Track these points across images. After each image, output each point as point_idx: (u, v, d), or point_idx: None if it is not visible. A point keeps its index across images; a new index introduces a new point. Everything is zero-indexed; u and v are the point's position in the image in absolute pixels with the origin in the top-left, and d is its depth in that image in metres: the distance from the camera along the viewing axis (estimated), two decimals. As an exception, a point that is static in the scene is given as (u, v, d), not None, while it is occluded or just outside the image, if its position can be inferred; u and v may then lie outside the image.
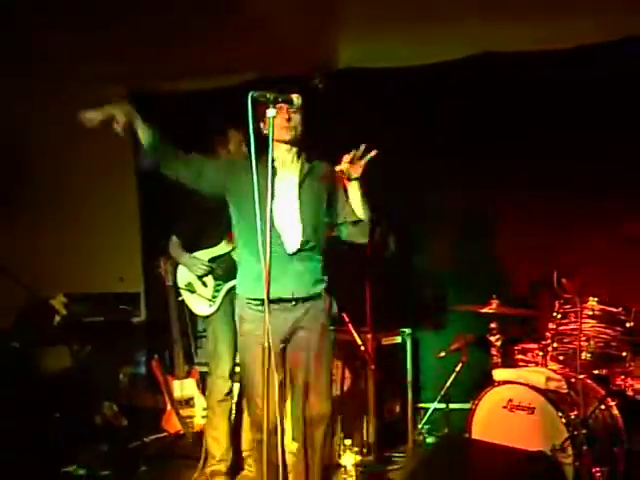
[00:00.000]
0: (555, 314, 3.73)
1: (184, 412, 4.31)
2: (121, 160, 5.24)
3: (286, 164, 3.10)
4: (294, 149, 3.11)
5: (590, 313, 3.61)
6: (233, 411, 4.03)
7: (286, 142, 3.06)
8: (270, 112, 2.59)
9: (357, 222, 3.12)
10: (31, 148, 5.23)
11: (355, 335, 4.05)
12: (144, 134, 2.95)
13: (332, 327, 3.29)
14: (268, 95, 2.60)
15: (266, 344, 2.55)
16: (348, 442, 3.96)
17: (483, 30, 4.47)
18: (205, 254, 3.95)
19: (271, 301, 2.86)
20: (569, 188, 4.40)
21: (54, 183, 5.34)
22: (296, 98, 2.78)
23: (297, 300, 3.05)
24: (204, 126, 4.82)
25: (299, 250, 3.05)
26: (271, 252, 2.57)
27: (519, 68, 4.50)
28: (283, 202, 3.02)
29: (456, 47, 4.56)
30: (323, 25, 4.62)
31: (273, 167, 2.70)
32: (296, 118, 3.04)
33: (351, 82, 4.86)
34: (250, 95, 2.53)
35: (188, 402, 4.32)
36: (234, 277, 3.84)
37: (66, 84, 5.04)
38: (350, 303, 4.07)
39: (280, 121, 2.91)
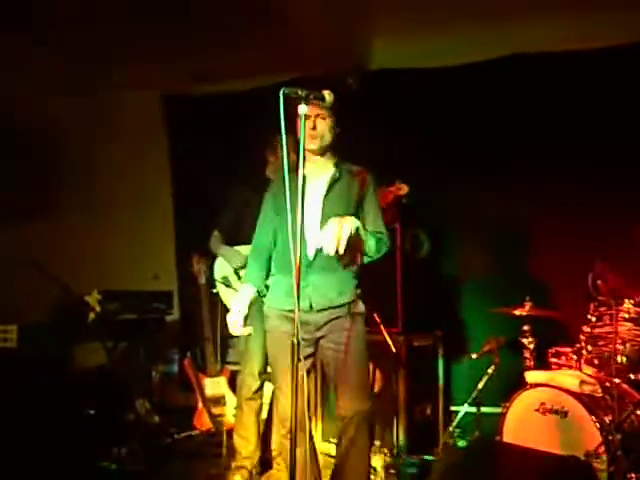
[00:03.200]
0: (589, 317, 3.67)
1: (215, 410, 4.33)
2: (155, 158, 5.32)
3: (317, 172, 3.08)
4: (325, 156, 3.10)
5: (626, 316, 3.53)
6: (263, 410, 4.05)
7: (313, 151, 3.04)
8: (302, 109, 2.58)
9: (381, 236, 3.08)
10: (65, 146, 5.33)
11: (386, 336, 4.03)
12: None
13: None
14: (300, 91, 2.56)
15: (295, 340, 2.54)
16: (378, 443, 3.95)
17: (515, 30, 4.45)
18: (244, 249, 3.97)
19: (290, 311, 2.83)
20: (604, 189, 4.33)
21: (89, 183, 5.44)
22: (328, 95, 2.74)
23: (317, 310, 3.03)
24: (241, 128, 4.89)
25: (316, 260, 3.01)
26: (299, 262, 2.55)
27: (553, 69, 4.47)
28: (309, 212, 2.97)
29: (488, 48, 4.55)
30: (356, 26, 4.64)
31: (304, 176, 2.67)
32: (323, 125, 3.01)
33: (384, 82, 4.87)
34: (282, 91, 2.49)
35: (219, 400, 4.34)
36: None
37: (100, 87, 5.13)
38: (382, 304, 4.06)
39: (306, 130, 2.81)
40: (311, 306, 3.02)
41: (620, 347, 3.48)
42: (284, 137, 2.48)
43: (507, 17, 4.32)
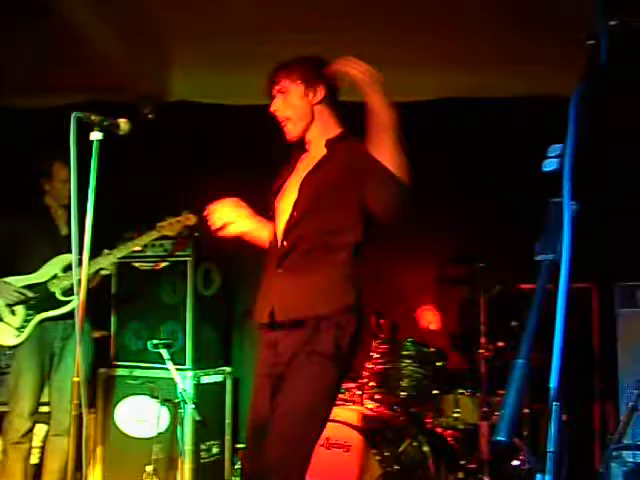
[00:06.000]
0: (372, 354, 3.83)
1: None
2: None
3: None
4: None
5: (405, 353, 3.75)
6: (33, 454, 3.75)
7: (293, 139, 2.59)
8: (95, 135, 2.44)
9: None
10: None
11: (173, 372, 3.89)
12: None
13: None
14: (93, 117, 2.43)
15: (75, 379, 2.35)
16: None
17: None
18: (19, 281, 3.66)
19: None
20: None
21: None
22: (123, 123, 2.62)
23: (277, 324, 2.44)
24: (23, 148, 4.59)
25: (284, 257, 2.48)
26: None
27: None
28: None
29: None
30: (156, 57, 4.57)
31: None
32: (281, 100, 2.53)
33: (184, 115, 4.85)
34: (74, 116, 2.34)
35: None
36: (48, 308, 3.62)
37: None
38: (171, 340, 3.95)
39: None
40: (272, 317, 2.45)
41: (400, 382, 3.68)
42: (73, 161, 2.33)
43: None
